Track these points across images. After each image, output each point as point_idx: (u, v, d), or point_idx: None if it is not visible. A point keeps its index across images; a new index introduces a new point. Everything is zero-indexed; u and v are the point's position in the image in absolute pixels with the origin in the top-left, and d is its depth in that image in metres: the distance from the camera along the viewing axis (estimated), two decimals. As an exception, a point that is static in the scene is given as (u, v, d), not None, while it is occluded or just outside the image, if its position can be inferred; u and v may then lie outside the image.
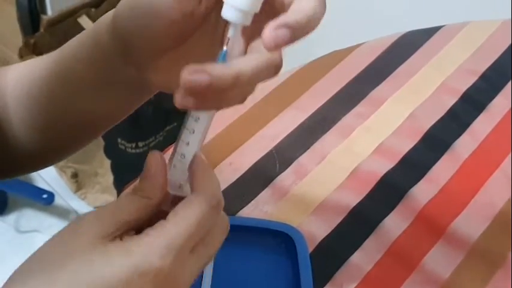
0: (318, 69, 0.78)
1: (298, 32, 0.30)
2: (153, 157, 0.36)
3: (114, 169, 1.41)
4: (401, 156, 0.68)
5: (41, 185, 1.55)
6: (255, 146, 0.68)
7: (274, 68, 0.33)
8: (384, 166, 0.66)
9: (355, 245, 0.59)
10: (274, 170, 0.65)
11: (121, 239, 0.33)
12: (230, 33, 0.34)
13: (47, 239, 0.34)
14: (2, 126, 0.45)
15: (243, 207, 0.62)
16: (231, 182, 0.64)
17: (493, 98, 0.75)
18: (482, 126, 0.72)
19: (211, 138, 0.68)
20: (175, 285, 0.34)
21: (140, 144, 1.36)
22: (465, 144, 0.70)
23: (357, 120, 0.71)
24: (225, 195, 0.62)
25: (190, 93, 0.30)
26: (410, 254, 0.59)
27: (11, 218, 1.54)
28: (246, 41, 0.35)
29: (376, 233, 0.60)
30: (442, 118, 0.72)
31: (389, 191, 0.64)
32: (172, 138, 0.75)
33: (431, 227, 0.61)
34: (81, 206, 1.52)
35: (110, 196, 1.47)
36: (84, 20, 1.29)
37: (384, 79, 0.77)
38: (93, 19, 1.31)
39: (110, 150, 1.37)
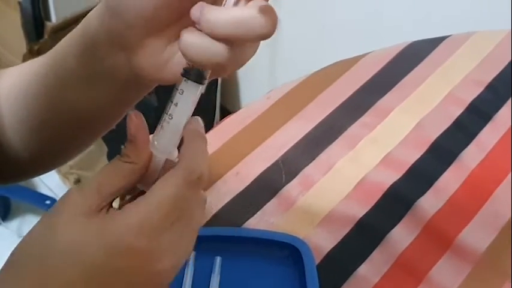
0: (324, 79, 0.78)
1: None
2: (131, 117, 0.36)
3: (118, 176, 1.40)
4: (408, 166, 0.67)
5: (44, 191, 1.55)
6: (261, 156, 0.68)
7: (259, 28, 0.32)
8: (390, 177, 0.66)
9: (362, 256, 0.59)
10: (280, 181, 0.65)
11: (107, 211, 0.35)
12: None
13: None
14: None
15: (249, 218, 0.62)
16: (237, 193, 0.64)
17: (499, 108, 0.75)
18: (489, 136, 0.72)
19: (218, 148, 0.68)
20: (152, 264, 0.34)
21: (143, 151, 1.35)
22: (472, 155, 0.69)
23: (363, 131, 0.71)
24: (231, 206, 0.63)
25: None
26: (417, 266, 0.59)
27: (14, 224, 1.54)
28: None
29: (383, 244, 0.60)
30: (448, 128, 0.72)
31: (396, 201, 0.64)
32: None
33: (439, 238, 0.61)
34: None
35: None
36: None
37: (390, 89, 0.77)
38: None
39: (113, 157, 1.36)
